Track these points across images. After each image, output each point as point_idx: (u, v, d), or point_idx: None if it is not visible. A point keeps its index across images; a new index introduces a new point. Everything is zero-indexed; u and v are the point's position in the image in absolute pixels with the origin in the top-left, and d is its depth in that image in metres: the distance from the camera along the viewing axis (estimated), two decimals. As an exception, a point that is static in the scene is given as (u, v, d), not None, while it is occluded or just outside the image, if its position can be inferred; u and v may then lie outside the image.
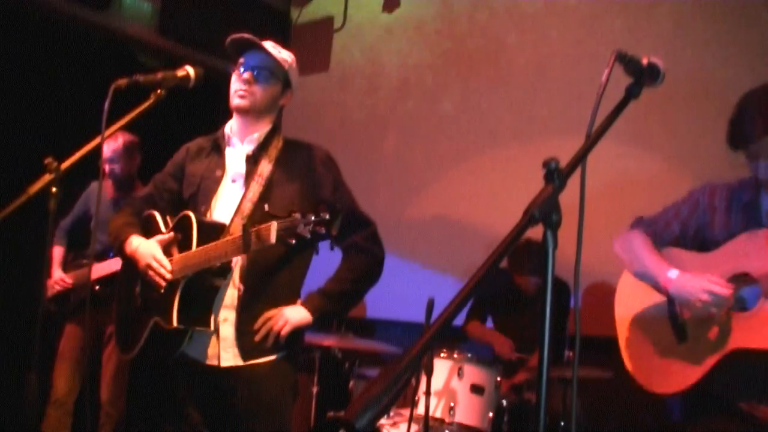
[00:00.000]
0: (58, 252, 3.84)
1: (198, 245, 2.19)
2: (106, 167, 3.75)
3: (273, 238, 1.97)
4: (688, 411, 2.12)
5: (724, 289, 1.95)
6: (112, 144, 3.74)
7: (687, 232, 2.16)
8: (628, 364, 2.22)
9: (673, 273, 2.06)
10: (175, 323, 2.15)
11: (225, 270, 2.22)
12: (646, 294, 2.20)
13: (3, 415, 3.82)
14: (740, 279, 1.98)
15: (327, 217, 1.93)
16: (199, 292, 2.21)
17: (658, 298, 2.17)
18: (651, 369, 2.14)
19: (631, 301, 2.30)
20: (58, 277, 3.70)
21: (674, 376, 2.05)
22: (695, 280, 1.99)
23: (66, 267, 3.79)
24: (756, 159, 1.96)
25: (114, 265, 3.50)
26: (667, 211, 2.25)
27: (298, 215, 1.94)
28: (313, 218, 1.93)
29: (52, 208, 1.95)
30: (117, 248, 2.40)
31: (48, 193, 1.94)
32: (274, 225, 1.97)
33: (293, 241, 1.95)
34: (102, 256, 3.63)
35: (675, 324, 2.10)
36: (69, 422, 3.61)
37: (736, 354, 1.94)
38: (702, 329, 2.04)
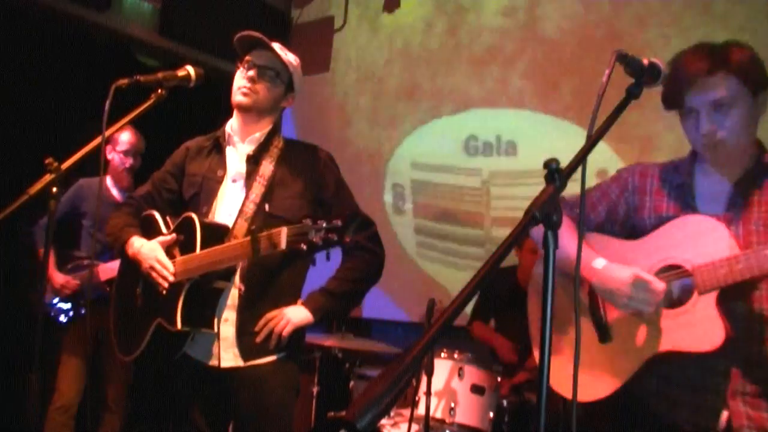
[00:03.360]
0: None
1: (202, 248, 2.19)
2: (129, 160, 3.75)
3: (283, 245, 1.96)
4: (610, 419, 1.87)
5: (659, 283, 1.70)
6: (131, 137, 3.75)
7: (615, 216, 1.92)
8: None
9: (599, 262, 1.78)
10: (179, 326, 2.15)
11: (229, 273, 2.22)
12: (562, 286, 1.92)
13: (4, 416, 3.82)
14: (671, 271, 1.75)
15: (339, 224, 1.91)
16: (203, 294, 2.21)
17: (581, 289, 1.89)
18: (568, 373, 1.81)
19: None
20: (64, 280, 3.61)
21: (596, 382, 1.79)
22: (623, 271, 1.72)
23: (61, 268, 3.68)
24: (691, 112, 1.74)
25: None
26: (593, 192, 1.99)
27: (308, 221, 1.92)
28: (324, 225, 1.91)
29: (52, 209, 1.94)
30: (117, 249, 2.40)
31: (48, 194, 1.93)
32: (284, 231, 1.96)
33: (304, 247, 1.92)
34: (101, 256, 3.59)
35: (597, 321, 1.85)
36: (72, 425, 3.59)
37: (662, 357, 1.72)
38: (628, 328, 1.79)
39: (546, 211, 1.14)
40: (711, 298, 1.66)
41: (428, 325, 3.00)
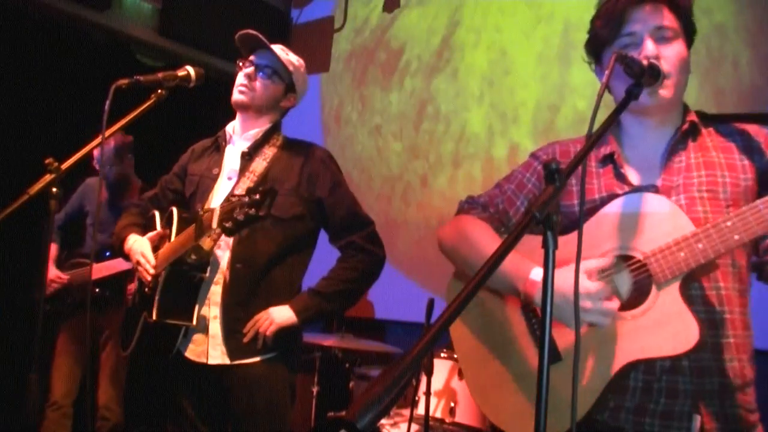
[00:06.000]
0: (52, 249, 3.78)
1: (176, 238, 2.23)
2: (109, 174, 3.73)
3: (215, 223, 1.98)
4: None
5: (598, 285, 1.42)
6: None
7: None
8: (486, 409, 1.64)
9: (538, 273, 1.47)
10: (154, 316, 2.17)
11: (202, 263, 2.22)
12: (489, 303, 1.66)
13: (3, 416, 3.82)
14: (623, 264, 1.49)
15: (257, 198, 1.91)
16: (182, 286, 2.22)
17: (510, 308, 1.61)
18: (520, 410, 1.54)
19: (470, 315, 1.69)
20: (54, 275, 3.63)
21: (554, 413, 1.27)
22: (570, 278, 1.33)
23: (60, 265, 3.74)
24: (629, 44, 1.54)
25: (114, 266, 3.50)
26: (505, 186, 1.74)
27: (236, 198, 1.94)
28: (246, 200, 1.92)
29: (53, 209, 1.95)
30: (118, 248, 2.43)
31: (48, 194, 1.94)
32: (216, 210, 1.99)
33: (229, 225, 1.94)
34: (99, 256, 3.61)
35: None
36: (68, 424, 3.59)
37: (627, 369, 1.45)
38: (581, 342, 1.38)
39: (546, 211, 1.14)
40: (674, 289, 1.41)
41: (427, 326, 3.00)
